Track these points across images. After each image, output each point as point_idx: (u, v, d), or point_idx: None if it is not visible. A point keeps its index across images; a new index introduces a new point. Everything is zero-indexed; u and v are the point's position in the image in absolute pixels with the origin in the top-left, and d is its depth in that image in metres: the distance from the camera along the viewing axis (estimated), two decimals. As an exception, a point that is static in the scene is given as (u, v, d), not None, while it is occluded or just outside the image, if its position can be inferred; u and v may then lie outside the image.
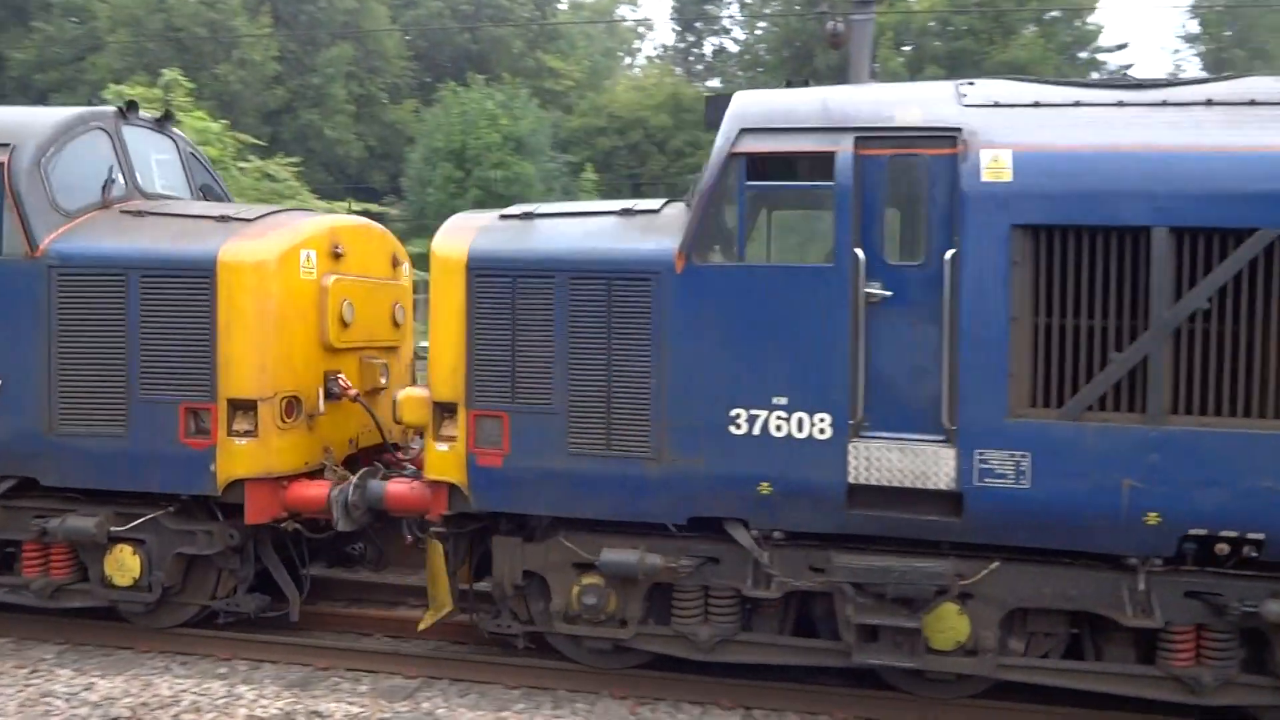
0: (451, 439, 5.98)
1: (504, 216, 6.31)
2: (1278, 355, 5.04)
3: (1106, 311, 5.21)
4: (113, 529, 6.53)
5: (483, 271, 5.91)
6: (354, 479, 6.51)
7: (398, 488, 6.42)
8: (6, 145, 6.56)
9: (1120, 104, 5.40)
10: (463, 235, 6.09)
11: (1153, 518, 5.14)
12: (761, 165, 5.61)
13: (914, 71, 28.19)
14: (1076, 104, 5.44)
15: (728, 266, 5.61)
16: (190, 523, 6.55)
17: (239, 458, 6.27)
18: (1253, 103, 5.26)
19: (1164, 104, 5.36)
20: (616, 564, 5.78)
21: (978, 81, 5.85)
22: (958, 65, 27.88)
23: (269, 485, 6.39)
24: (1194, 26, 43.60)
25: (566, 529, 6.02)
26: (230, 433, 6.26)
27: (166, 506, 6.54)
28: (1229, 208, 5.04)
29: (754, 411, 5.52)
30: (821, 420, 5.44)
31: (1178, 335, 5.13)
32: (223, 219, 6.66)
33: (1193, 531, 5.16)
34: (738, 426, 5.54)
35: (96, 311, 6.36)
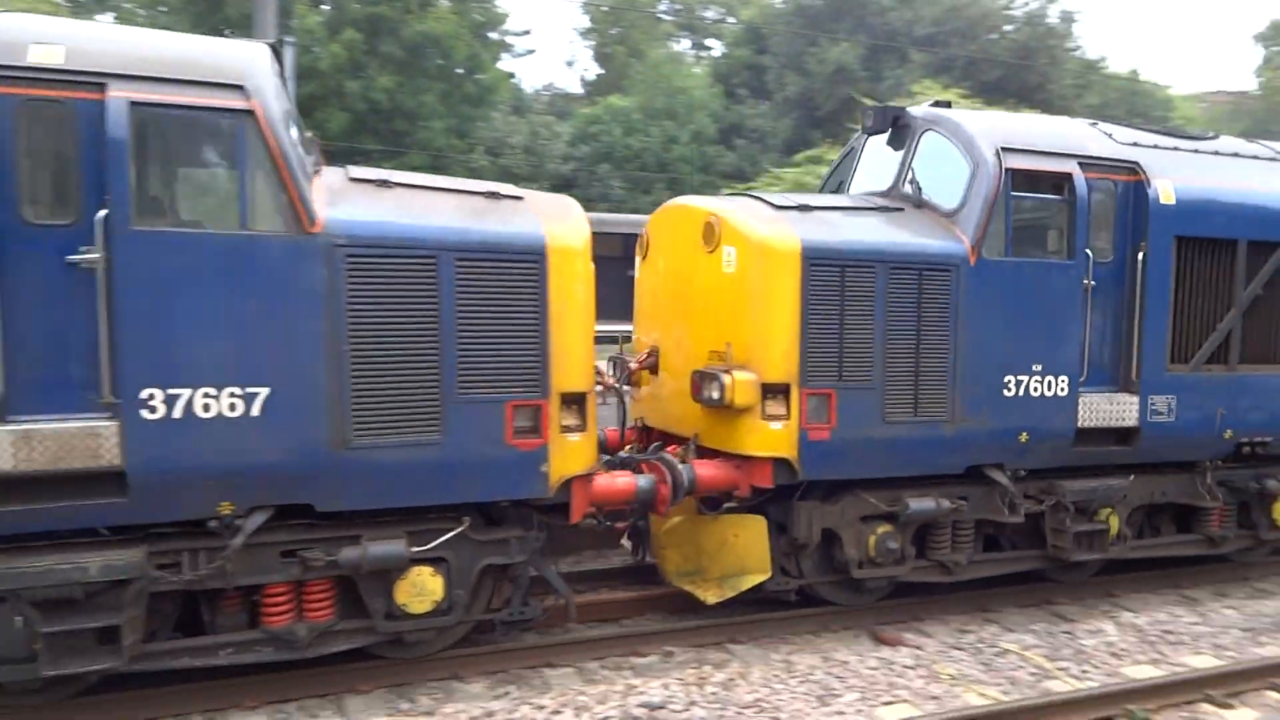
0: (781, 417, 6.43)
1: (778, 207, 6.78)
2: (1248, 324, 7.74)
3: (1209, 296, 7.64)
4: (414, 549, 5.70)
5: (817, 262, 6.41)
6: (655, 467, 6.51)
7: (706, 470, 6.58)
8: (238, 86, 5.19)
9: (1216, 153, 7.88)
10: (783, 227, 6.48)
11: (1229, 434, 7.78)
12: (1019, 179, 6.99)
13: (332, 32, 28.21)
14: (1195, 151, 7.78)
15: (1004, 260, 6.92)
16: (497, 531, 5.98)
17: (571, 455, 5.93)
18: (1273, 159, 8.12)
19: (1234, 154, 7.97)
20: (921, 511, 6.86)
21: (1101, 124, 7.88)
22: (377, 30, 28.65)
23: (584, 481, 6.13)
24: (586, 21, 47.94)
25: (862, 488, 6.87)
26: (562, 429, 5.89)
27: (455, 518, 5.87)
28: (1275, 227, 7.79)
29: (1020, 377, 6.99)
30: (1063, 381, 7.12)
31: (1245, 312, 7.77)
32: (491, 195, 6.04)
33: (1243, 440, 7.91)
34: (1009, 390, 6.97)
35: (401, 300, 5.45)
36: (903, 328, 6.66)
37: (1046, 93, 34.13)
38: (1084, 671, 6.51)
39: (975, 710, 5.63)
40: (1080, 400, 7.19)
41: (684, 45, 49.39)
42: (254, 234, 5.16)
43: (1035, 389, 7.04)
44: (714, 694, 5.85)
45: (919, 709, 5.73)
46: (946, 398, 6.81)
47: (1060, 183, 7.10)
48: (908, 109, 7.83)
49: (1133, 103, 38.14)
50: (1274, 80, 48.94)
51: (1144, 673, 6.46)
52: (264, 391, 5.17)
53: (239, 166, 5.16)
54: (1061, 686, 6.17)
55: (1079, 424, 7.22)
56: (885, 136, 7.83)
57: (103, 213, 4.84)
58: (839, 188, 8.36)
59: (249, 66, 5.31)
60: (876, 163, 7.96)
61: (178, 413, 5.01)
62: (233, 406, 5.12)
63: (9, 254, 4.79)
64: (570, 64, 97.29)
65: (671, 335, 7.31)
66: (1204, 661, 6.75)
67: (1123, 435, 7.46)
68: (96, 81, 4.92)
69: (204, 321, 5.05)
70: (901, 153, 7.60)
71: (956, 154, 7.08)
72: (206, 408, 5.07)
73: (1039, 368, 7.03)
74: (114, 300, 4.88)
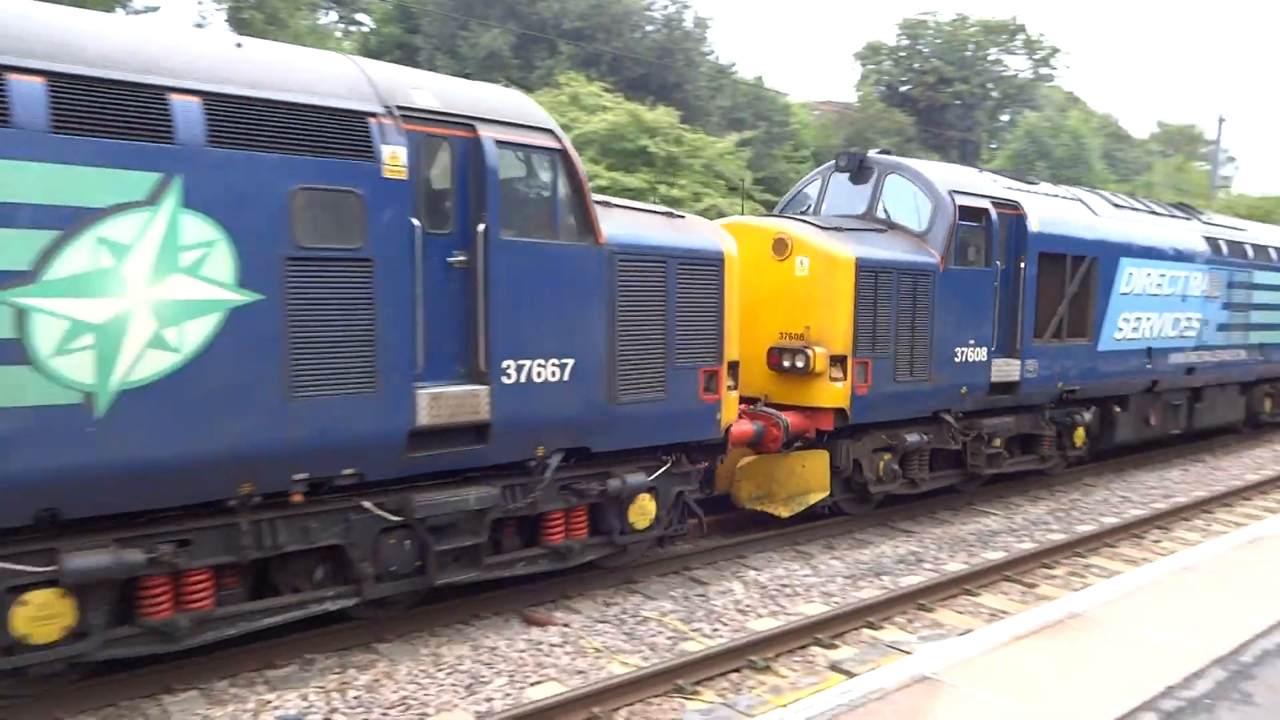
0: (840, 379, 9.14)
1: (822, 228, 9.41)
2: (1070, 310, 11.71)
3: (1052, 293, 11.39)
4: (648, 480, 7.72)
5: (864, 270, 9.21)
6: (762, 417, 8.91)
7: (795, 418, 9.12)
8: (549, 130, 6.91)
9: (1045, 194, 11.78)
10: (840, 243, 9.17)
11: (1060, 385, 11.58)
12: (963, 212, 10.20)
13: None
14: (1035, 193, 11.53)
15: (954, 268, 10.11)
16: (682, 467, 8.07)
17: (729, 407, 8.23)
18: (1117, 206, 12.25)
19: (1055, 195, 11.81)
20: (912, 443, 9.90)
21: (986, 171, 11.37)
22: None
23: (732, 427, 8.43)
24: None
25: (875, 429, 9.72)
26: (728, 388, 8.15)
27: (660, 458, 7.88)
28: (1082, 246, 11.67)
29: (962, 348, 10.24)
30: (983, 350, 10.47)
31: (1069, 303, 11.57)
32: (670, 215, 8.12)
33: (1066, 389, 11.75)
34: (958, 358, 10.20)
35: (647, 294, 7.44)
36: (906, 314, 9.64)
37: (684, 92, 36.45)
38: (715, 630, 7.12)
39: (616, 679, 6.01)
40: (992, 363, 10.60)
41: (332, 18, 47.61)
42: (568, 244, 6.91)
43: (970, 357, 10.36)
44: (357, 698, 5.80)
45: (565, 685, 6.02)
46: (928, 363, 9.89)
47: (981, 215, 10.43)
48: (869, 154, 10.83)
49: (758, 107, 41.67)
50: (870, 95, 58.30)
51: (765, 625, 7.17)
52: (571, 361, 6.96)
53: (554, 192, 6.88)
54: (695, 646, 6.72)
55: (992, 380, 10.64)
56: (848, 175, 10.76)
57: (481, 225, 6.40)
58: (807, 209, 11.13)
59: (547, 113, 7.04)
60: (840, 193, 10.88)
61: (523, 379, 6.68)
62: (553, 374, 6.86)
63: (423, 257, 6.19)
64: (200, 28, 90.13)
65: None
66: (814, 609, 7.61)
67: (1009, 387, 10.97)
68: (468, 123, 6.45)
69: (538, 309, 6.74)
70: (867, 188, 10.61)
71: (920, 193, 10.20)
72: (539, 375, 6.77)
73: (972, 342, 10.35)
74: (488, 293, 6.45)
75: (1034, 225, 10.99)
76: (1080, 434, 12.32)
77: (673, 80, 36.32)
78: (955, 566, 9.26)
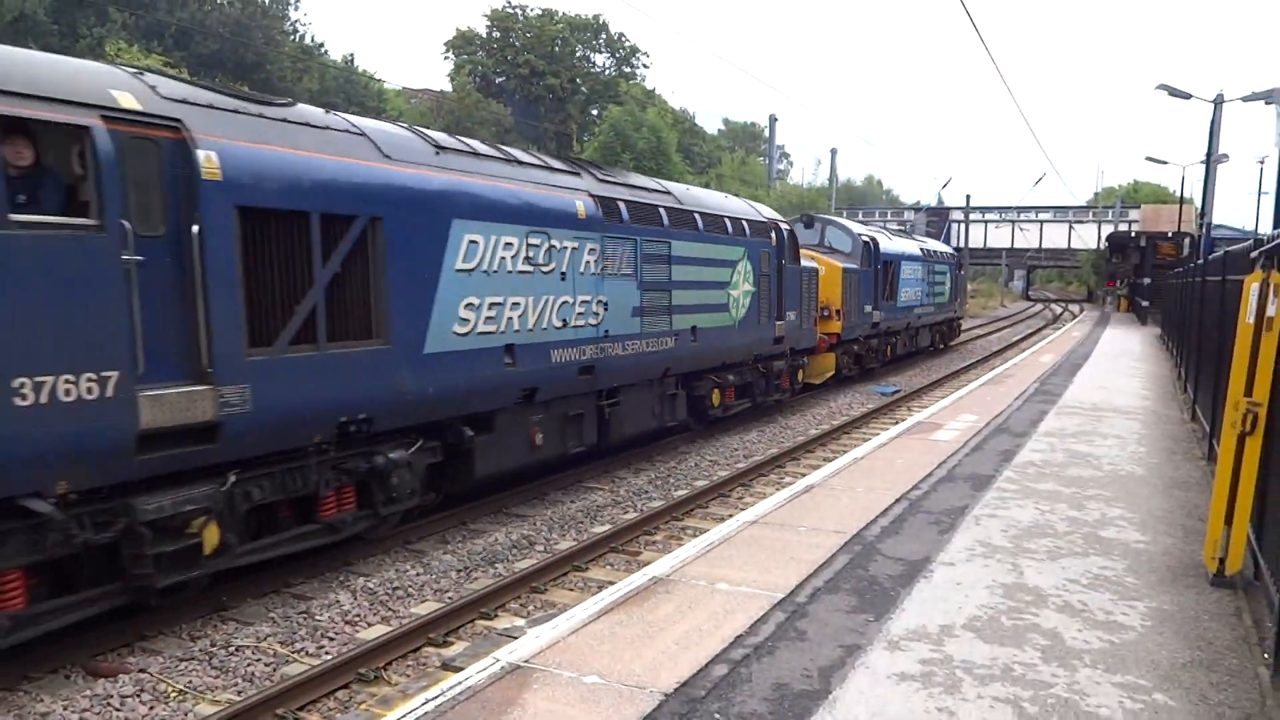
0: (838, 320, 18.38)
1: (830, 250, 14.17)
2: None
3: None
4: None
5: (847, 274, 19.69)
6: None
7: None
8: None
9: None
10: (832, 260, 18.36)
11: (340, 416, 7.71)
12: (866, 245, 10.71)
13: None
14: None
15: (859, 269, 14.20)
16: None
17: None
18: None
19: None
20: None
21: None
22: None
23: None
24: None
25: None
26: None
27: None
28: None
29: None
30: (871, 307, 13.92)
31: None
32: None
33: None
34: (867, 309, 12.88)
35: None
36: (853, 290, 18.84)
37: (266, 73, 34.93)
38: (320, 648, 6.71)
39: (205, 720, 5.41)
40: (873, 313, 18.72)
41: None
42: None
43: (866, 310, 19.63)
44: None
45: (143, 739, 5.31)
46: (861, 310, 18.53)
47: (870, 243, 19.72)
48: (814, 215, 20.93)
49: (350, 91, 40.71)
50: (465, 85, 59.60)
51: (376, 633, 6.92)
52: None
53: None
54: (300, 668, 6.29)
55: (873, 322, 20.52)
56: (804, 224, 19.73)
57: None
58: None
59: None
60: (801, 234, 18.32)
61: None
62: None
63: None
64: None
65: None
66: (426, 608, 7.41)
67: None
68: None
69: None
70: (818, 230, 20.56)
71: (845, 234, 20.36)
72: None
73: (867, 306, 19.59)
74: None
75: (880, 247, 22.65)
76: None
77: (252, 59, 33.83)
78: (566, 545, 9.58)
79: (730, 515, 10.13)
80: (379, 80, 45.13)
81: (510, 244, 9.52)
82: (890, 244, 23.12)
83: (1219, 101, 26.36)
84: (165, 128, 6.31)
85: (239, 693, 6.09)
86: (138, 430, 5.96)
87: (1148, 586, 5.71)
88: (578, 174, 11.32)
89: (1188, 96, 24.84)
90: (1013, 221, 64.29)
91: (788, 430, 16.64)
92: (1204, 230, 27.14)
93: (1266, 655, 4.63)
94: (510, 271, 9.56)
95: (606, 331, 11.30)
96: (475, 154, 9.55)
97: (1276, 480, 5.01)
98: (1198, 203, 32.68)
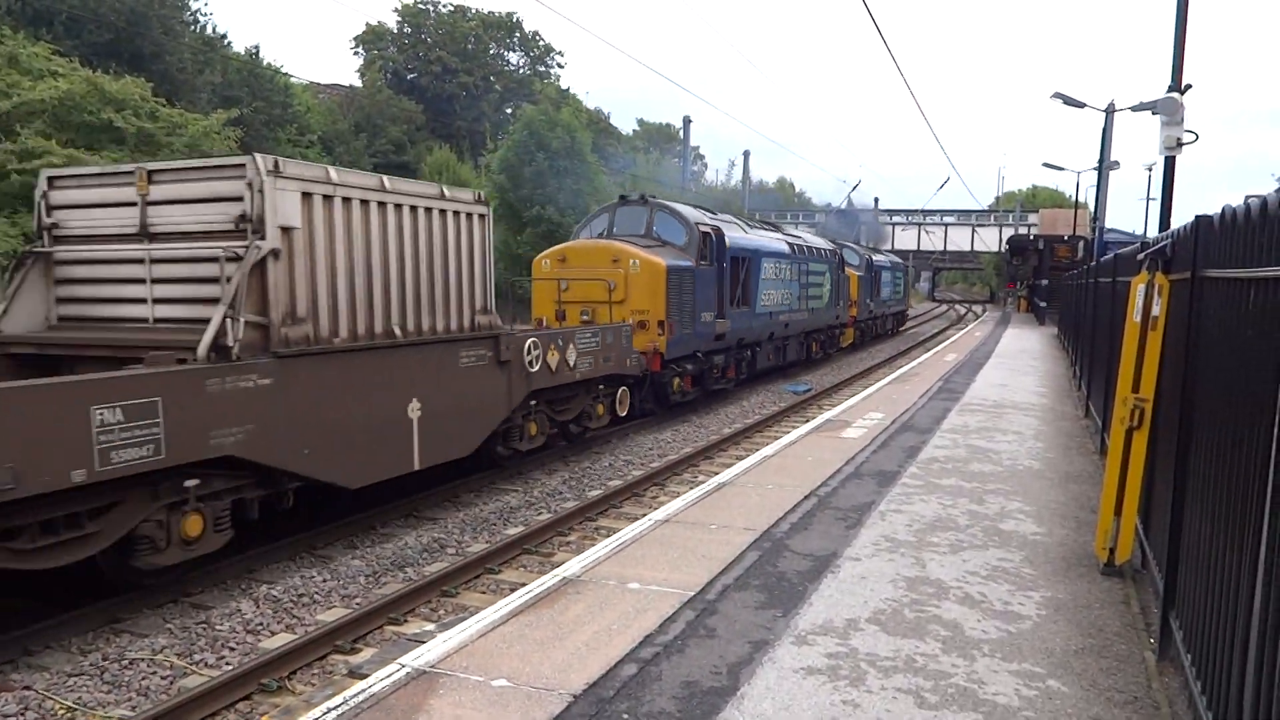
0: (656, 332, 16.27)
1: (647, 246, 16.18)
2: (742, 290, 13.13)
3: (737, 281, 12.20)
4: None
5: (671, 272, 15.70)
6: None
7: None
8: None
9: (732, 223, 20.22)
10: (656, 255, 15.74)
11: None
12: (703, 235, 11.40)
13: None
14: (728, 221, 19.67)
15: (698, 267, 17.12)
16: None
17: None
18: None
19: (738, 223, 20.74)
20: (690, 370, 17.46)
21: (702, 211, 13.87)
22: None
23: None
24: None
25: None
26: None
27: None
28: (747, 252, 13.00)
29: (705, 314, 18.05)
30: (710, 315, 16.74)
31: (741, 285, 12.57)
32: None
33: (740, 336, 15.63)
34: (703, 319, 11.30)
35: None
36: (685, 293, 16.24)
37: (165, 63, 33.70)
38: (220, 659, 6.54)
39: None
40: (716, 321, 17.47)
41: None
42: None
43: (705, 319, 17.11)
44: None
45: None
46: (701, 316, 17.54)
47: (712, 235, 17.28)
48: (646, 195, 17.64)
49: (254, 85, 39.59)
50: (376, 81, 58.58)
51: (279, 642, 6.73)
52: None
53: None
54: (198, 681, 6.11)
55: (716, 333, 17.92)
56: (631, 207, 17.41)
57: None
58: (606, 230, 17.12)
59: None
60: (625, 218, 17.21)
61: None
62: None
63: None
64: None
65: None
66: (333, 615, 7.28)
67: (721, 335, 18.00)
68: None
69: None
70: (645, 215, 17.05)
71: (678, 223, 17.02)
72: None
73: (707, 313, 17.32)
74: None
75: (728, 241, 18.22)
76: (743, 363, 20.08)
77: (149, 49, 32.51)
78: (478, 547, 9.46)
79: (643, 514, 10.14)
80: (286, 75, 43.93)
81: (771, 267, 20.97)
82: (745, 237, 19.71)
83: (1110, 111, 27.53)
84: (718, 230, 17.67)
85: (133, 708, 5.84)
86: (715, 334, 17.10)
87: (1043, 577, 5.90)
88: (779, 229, 24.96)
89: (1081, 105, 25.85)
90: (919, 224, 66.00)
91: (701, 429, 16.75)
92: (1097, 234, 28.27)
93: (1152, 640, 4.83)
94: (771, 279, 20.86)
95: (789, 308, 22.49)
96: (758, 224, 23.54)
97: (1162, 473, 5.23)
98: (1092, 207, 34.03)
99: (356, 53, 63.97)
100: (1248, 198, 3.40)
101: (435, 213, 9.58)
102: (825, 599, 5.36)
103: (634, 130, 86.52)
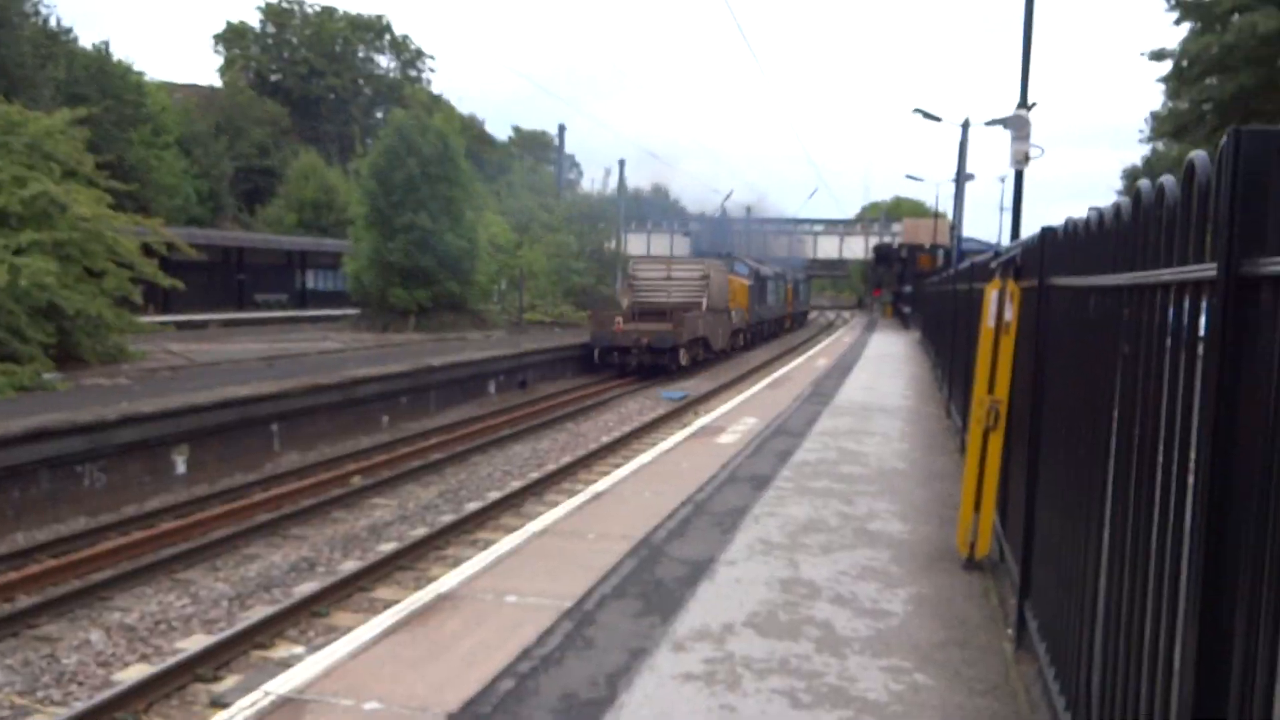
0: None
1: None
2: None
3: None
4: None
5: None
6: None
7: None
8: None
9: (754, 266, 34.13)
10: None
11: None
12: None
13: None
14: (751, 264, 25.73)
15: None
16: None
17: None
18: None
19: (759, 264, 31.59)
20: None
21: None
22: None
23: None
24: None
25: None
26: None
27: None
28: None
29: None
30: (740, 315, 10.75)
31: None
32: None
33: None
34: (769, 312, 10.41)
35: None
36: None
37: (3, 60, 32.33)
38: (68, 695, 6.24)
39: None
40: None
41: None
42: None
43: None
44: None
45: None
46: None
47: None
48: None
49: (103, 82, 38.19)
50: (237, 81, 56.68)
51: (135, 674, 6.47)
52: None
53: None
54: (44, 719, 5.84)
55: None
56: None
57: None
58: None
59: None
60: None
61: None
62: None
63: None
64: None
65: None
66: (193, 642, 7.04)
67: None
68: None
69: None
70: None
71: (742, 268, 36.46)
72: None
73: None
74: None
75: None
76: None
77: (-11, 45, 30.46)
78: (350, 565, 9.20)
79: (521, 526, 10.06)
80: (138, 73, 41.79)
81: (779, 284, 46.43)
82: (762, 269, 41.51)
83: (965, 125, 28.99)
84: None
85: (-32, 753, 5.45)
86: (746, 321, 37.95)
87: (909, 574, 6.12)
88: (766, 265, 44.41)
89: (939, 120, 27.11)
90: (789, 233, 67.80)
91: (580, 437, 16.75)
92: (955, 242, 29.69)
93: (1010, 630, 5.07)
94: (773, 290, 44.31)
95: (770, 304, 42.31)
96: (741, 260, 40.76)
97: (1017, 471, 5.51)
98: (951, 217, 35.73)
99: (217, 52, 61.45)
100: (1090, 209, 3.61)
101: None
102: (702, 604, 5.41)
103: (509, 137, 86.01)
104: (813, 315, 73.35)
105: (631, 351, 25.47)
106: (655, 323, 25.80)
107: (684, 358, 26.17)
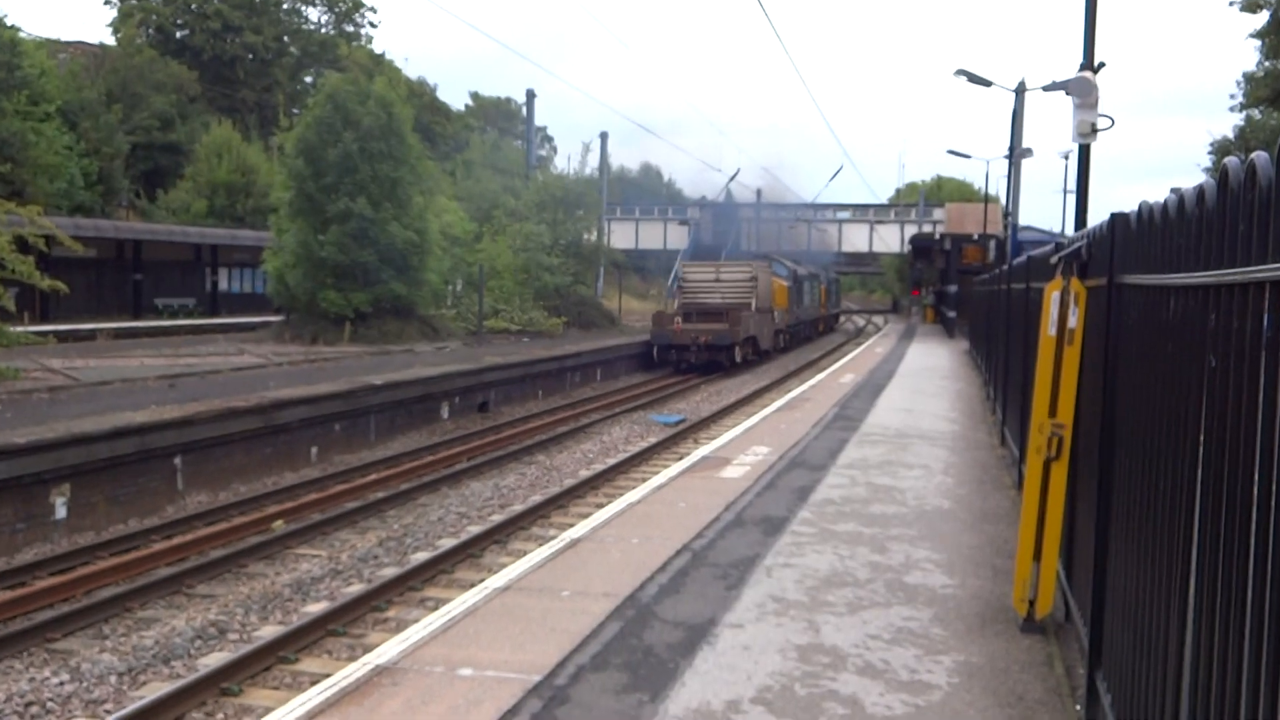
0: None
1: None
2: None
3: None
4: None
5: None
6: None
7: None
8: None
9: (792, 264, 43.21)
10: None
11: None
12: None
13: None
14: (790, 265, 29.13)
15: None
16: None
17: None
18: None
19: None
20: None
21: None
22: None
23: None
24: None
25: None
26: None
27: None
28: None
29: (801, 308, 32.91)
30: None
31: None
32: None
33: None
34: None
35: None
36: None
37: None
38: None
39: None
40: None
41: None
42: None
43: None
44: None
45: None
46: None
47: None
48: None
49: None
50: (134, 39, 56.41)
51: None
52: None
53: None
54: None
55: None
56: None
57: None
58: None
59: None
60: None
61: None
62: None
63: None
64: None
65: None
66: None
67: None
68: None
69: None
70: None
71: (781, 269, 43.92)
72: None
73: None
74: None
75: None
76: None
77: None
78: (269, 630, 9.15)
79: (480, 581, 10.02)
80: (11, 28, 41.81)
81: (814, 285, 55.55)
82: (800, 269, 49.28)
83: (1020, 90, 29.16)
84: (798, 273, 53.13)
85: None
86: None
87: (955, 637, 6.11)
88: (802, 266, 51.56)
89: (988, 84, 27.29)
90: (808, 221, 68.14)
91: (553, 472, 16.73)
92: (1009, 232, 29.83)
93: (1079, 708, 5.06)
94: (809, 290, 52.92)
95: (805, 306, 50.82)
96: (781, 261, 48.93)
97: (1085, 510, 5.51)
98: (1004, 201, 35.90)
99: (109, 3, 61.46)
100: (1170, 191, 3.62)
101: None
102: (701, 677, 5.39)
103: (467, 105, 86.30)
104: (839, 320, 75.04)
105: (690, 349, 33.93)
106: (710, 322, 34.19)
107: (738, 354, 34.74)
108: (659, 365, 35.02)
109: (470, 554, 11.65)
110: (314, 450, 17.42)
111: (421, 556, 11.44)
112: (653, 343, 35.21)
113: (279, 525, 12.88)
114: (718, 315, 34.55)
